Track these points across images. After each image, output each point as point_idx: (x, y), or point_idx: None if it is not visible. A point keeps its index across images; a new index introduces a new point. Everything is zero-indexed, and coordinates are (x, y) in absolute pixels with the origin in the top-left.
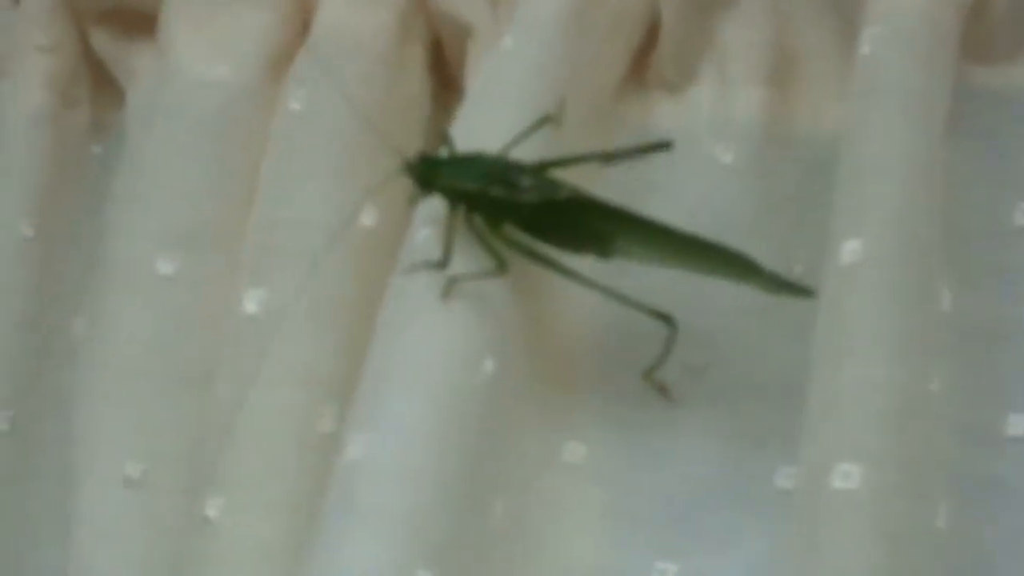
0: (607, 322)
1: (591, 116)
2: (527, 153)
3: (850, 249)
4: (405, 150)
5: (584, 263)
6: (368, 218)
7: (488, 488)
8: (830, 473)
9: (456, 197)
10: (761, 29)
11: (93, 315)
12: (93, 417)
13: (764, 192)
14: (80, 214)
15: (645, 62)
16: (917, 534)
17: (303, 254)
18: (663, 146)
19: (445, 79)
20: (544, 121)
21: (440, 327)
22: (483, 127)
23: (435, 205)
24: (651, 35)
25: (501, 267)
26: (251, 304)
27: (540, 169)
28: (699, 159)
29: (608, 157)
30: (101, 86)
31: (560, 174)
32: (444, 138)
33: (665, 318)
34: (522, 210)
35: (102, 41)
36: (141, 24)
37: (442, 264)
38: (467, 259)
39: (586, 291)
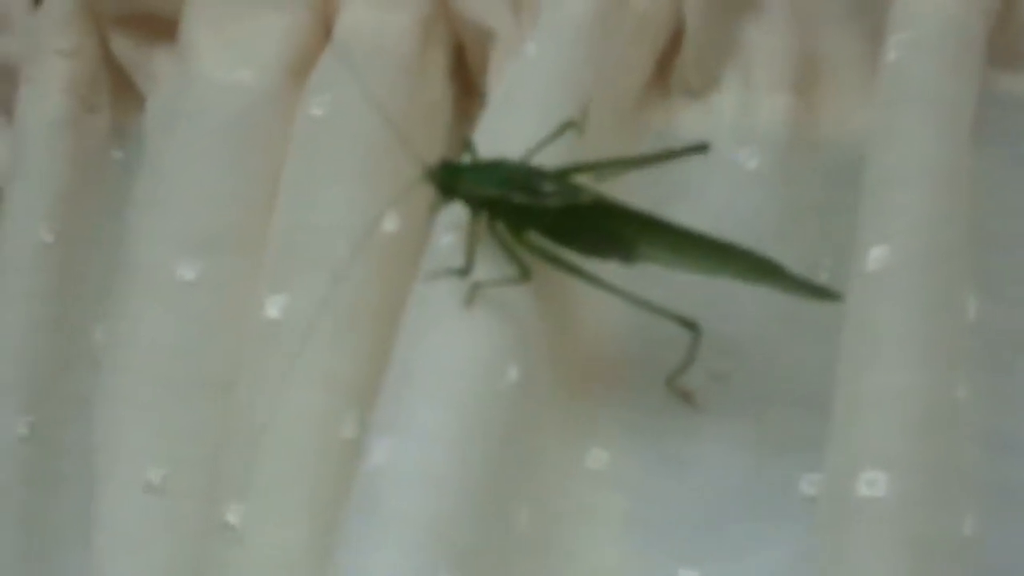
0: (630, 329)
1: (614, 122)
2: (550, 159)
3: (876, 256)
4: (427, 156)
5: (608, 269)
6: (390, 224)
7: (511, 494)
8: (856, 480)
9: (478, 204)
10: (785, 35)
11: (114, 321)
12: (114, 422)
13: (789, 199)
14: (101, 219)
15: (669, 68)
16: (943, 542)
17: (325, 260)
18: (699, 148)
19: (467, 85)
20: (566, 127)
21: (463, 334)
22: (506, 133)
23: (457, 211)
24: (675, 41)
25: (524, 274)
26: (273, 309)
27: (564, 174)
28: (723, 165)
29: (643, 160)
30: (122, 91)
31: (583, 177)
32: (466, 144)
33: (689, 324)
34: (545, 216)
35: (123, 45)
36: (162, 28)
37: (464, 271)
38: (490, 266)
39: (609, 298)
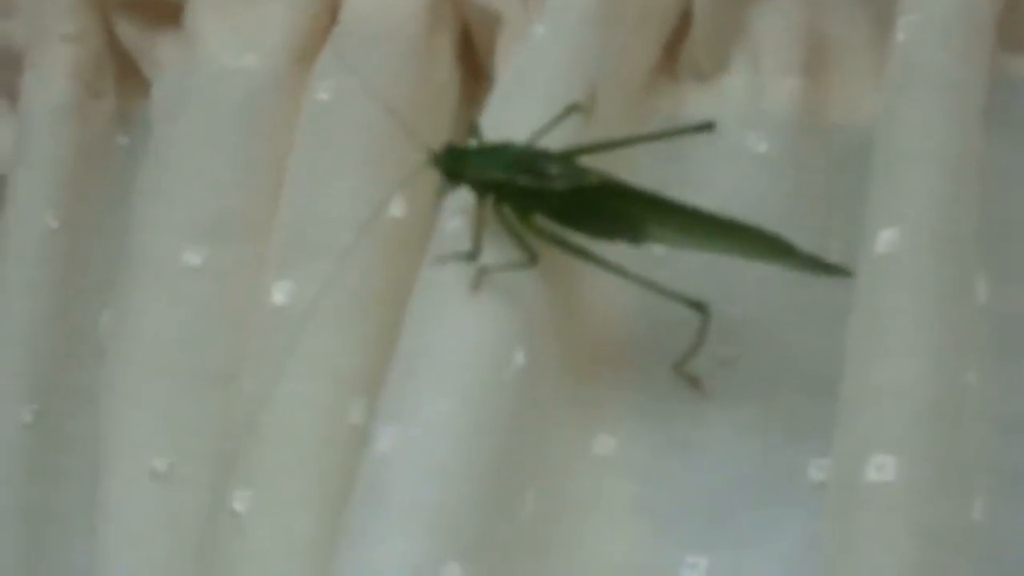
0: (638, 313)
1: (622, 105)
2: (557, 143)
3: (885, 238)
4: (433, 140)
5: (615, 253)
6: (397, 209)
7: (518, 481)
8: (865, 465)
9: (484, 188)
10: (794, 17)
11: (120, 308)
12: (120, 410)
13: (798, 182)
14: (106, 205)
15: (677, 51)
16: (953, 526)
17: (331, 245)
18: (705, 127)
19: (474, 69)
20: (572, 109)
21: (470, 319)
22: (513, 117)
23: (464, 196)
24: (683, 24)
25: (531, 258)
26: (279, 295)
27: (570, 156)
28: (732, 149)
29: (649, 138)
30: (127, 76)
31: (592, 162)
32: (473, 128)
33: (698, 306)
34: (551, 198)
35: (128, 30)
36: (167, 13)
37: (472, 256)
38: (496, 250)
39: (616, 283)
